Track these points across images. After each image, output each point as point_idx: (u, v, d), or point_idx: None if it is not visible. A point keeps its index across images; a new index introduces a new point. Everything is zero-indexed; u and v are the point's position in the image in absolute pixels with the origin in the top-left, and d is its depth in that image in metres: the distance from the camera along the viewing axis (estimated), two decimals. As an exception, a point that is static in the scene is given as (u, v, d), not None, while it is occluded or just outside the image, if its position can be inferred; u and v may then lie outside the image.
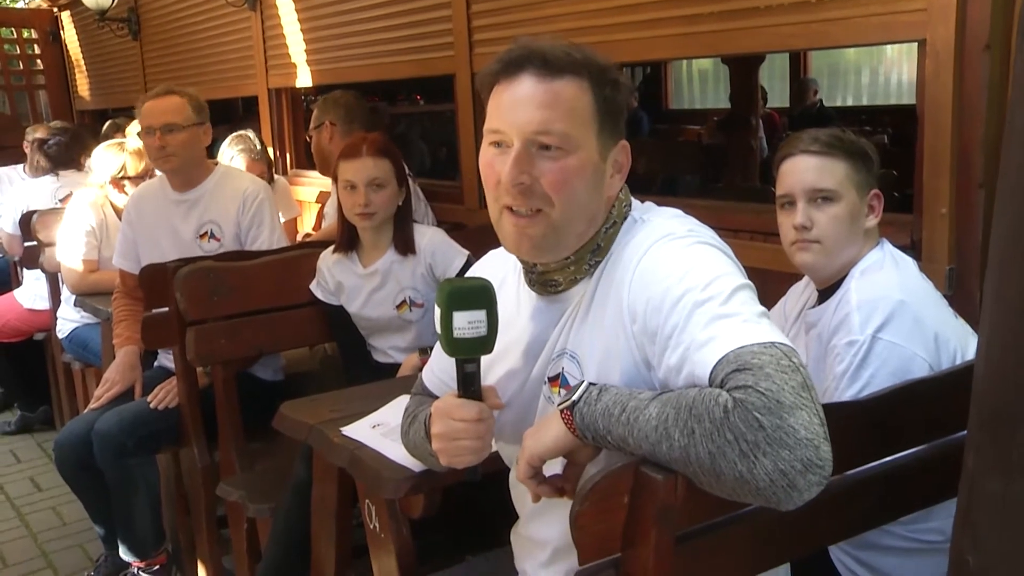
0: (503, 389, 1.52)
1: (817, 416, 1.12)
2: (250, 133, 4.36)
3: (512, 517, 1.71)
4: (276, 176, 4.54)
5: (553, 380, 1.49)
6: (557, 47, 1.41)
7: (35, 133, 5.04)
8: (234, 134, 4.23)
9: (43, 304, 4.67)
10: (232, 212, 3.20)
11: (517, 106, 1.39)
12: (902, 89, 8.23)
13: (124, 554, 3.12)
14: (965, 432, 1.12)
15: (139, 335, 2.99)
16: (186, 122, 3.15)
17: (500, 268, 1.63)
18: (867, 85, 8.77)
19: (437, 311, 1.39)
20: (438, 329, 1.40)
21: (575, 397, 1.31)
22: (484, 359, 1.42)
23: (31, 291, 4.79)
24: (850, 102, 8.67)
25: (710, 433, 1.12)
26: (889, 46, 7.46)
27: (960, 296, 2.11)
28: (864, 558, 1.85)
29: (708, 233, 1.43)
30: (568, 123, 1.39)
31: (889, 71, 8.53)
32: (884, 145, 5.59)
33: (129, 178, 3.80)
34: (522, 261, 1.51)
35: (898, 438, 1.47)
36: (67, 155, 4.80)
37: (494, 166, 1.42)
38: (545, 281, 1.49)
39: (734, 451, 1.10)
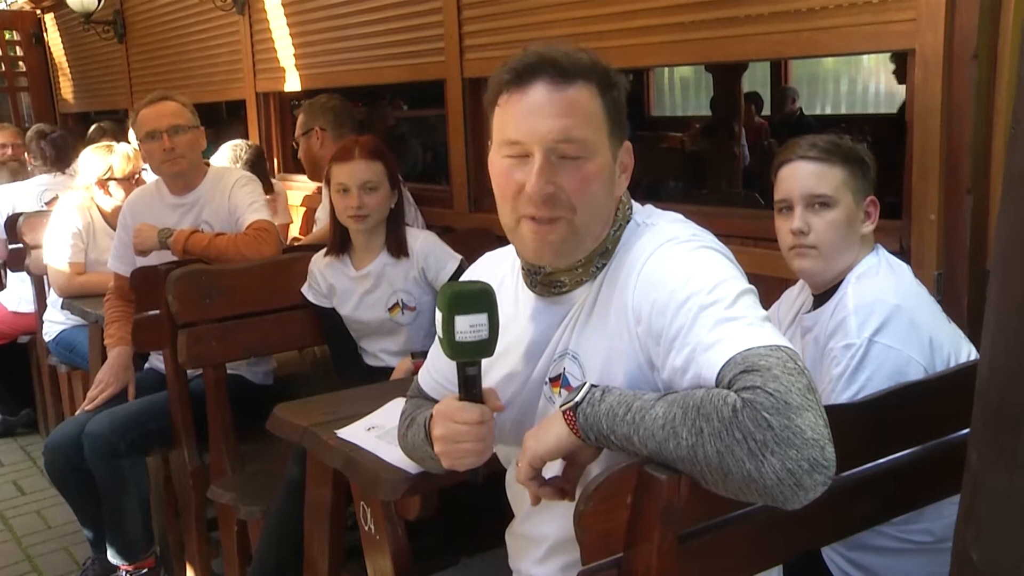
0: (503, 390, 1.53)
1: (822, 418, 1.14)
2: (244, 143, 4.36)
3: (506, 518, 1.72)
4: (273, 180, 4.56)
5: (554, 381, 1.51)
6: (568, 53, 1.42)
7: None
8: (232, 143, 4.21)
9: (27, 307, 4.65)
10: (223, 209, 3.21)
11: (534, 115, 1.39)
12: (880, 98, 8.31)
13: (112, 557, 3.11)
14: (960, 433, 1.15)
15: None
16: (189, 123, 3.16)
17: (498, 270, 1.64)
18: (846, 94, 8.84)
19: (439, 315, 1.40)
20: (439, 333, 1.40)
21: (578, 398, 1.33)
22: (484, 361, 1.43)
23: (15, 294, 4.77)
24: (829, 111, 8.74)
25: (719, 432, 1.14)
26: (867, 56, 7.54)
27: (948, 300, 2.14)
28: (855, 558, 1.88)
29: (710, 237, 1.45)
30: (586, 129, 1.40)
31: (867, 80, 8.61)
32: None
33: (116, 180, 3.80)
34: (532, 265, 1.51)
35: (894, 439, 1.50)
36: (70, 154, 4.78)
37: (513, 176, 1.42)
38: (550, 282, 1.50)
39: (743, 450, 1.12)
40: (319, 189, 4.56)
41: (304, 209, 4.68)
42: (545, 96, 1.39)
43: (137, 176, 3.82)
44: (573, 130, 1.39)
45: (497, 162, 1.46)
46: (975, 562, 1.02)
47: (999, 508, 0.99)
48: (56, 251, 3.83)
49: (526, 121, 1.40)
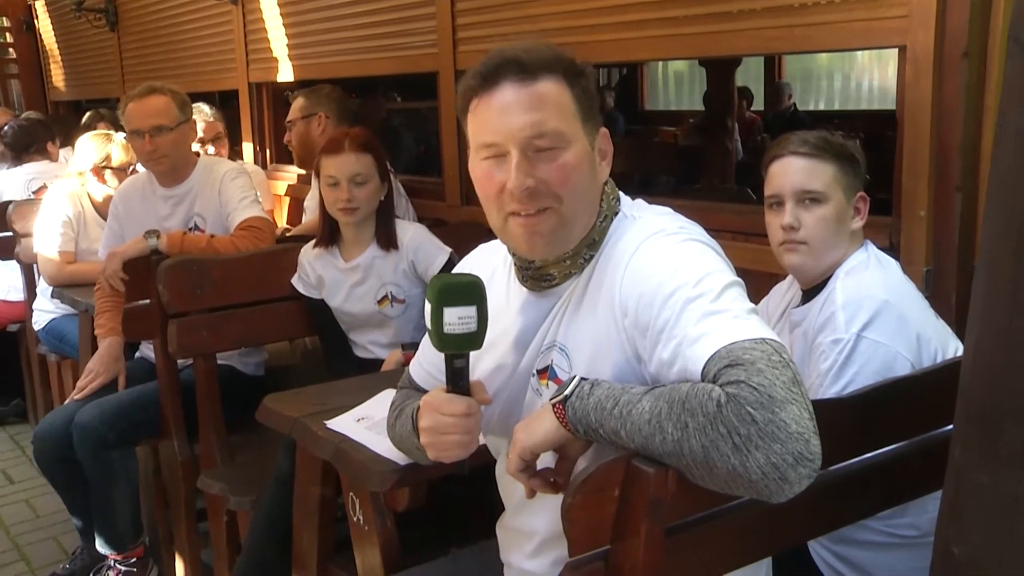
0: (491, 382, 1.53)
1: (807, 411, 1.15)
2: (203, 105, 4.35)
3: (495, 510, 1.73)
4: (247, 163, 4.56)
5: (542, 372, 1.52)
6: (529, 49, 1.43)
7: None
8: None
9: (16, 295, 4.63)
10: (214, 202, 3.20)
11: (506, 114, 1.41)
12: (873, 95, 8.33)
13: (101, 547, 3.10)
14: (947, 428, 1.15)
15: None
16: (173, 122, 3.14)
17: (490, 262, 1.65)
18: (839, 90, 8.85)
19: (428, 306, 1.40)
20: (428, 324, 1.40)
21: (567, 391, 1.33)
22: (473, 353, 1.43)
23: (4, 282, 4.74)
24: (822, 106, 8.75)
25: (703, 427, 1.15)
26: (861, 52, 7.55)
27: (936, 297, 2.15)
28: (842, 552, 1.89)
29: (698, 230, 1.46)
30: (558, 120, 1.41)
31: (861, 77, 8.62)
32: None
33: (112, 168, 3.79)
34: (523, 260, 1.52)
35: (881, 434, 1.51)
36: (25, 140, 4.75)
37: (493, 177, 1.44)
38: (541, 276, 1.50)
39: (727, 444, 1.13)
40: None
41: (289, 199, 4.70)
42: (513, 94, 1.41)
43: (132, 167, 3.81)
44: (545, 123, 1.40)
45: (477, 166, 1.47)
46: (957, 557, 1.02)
47: (982, 504, 0.99)
48: (46, 239, 3.81)
49: (498, 121, 1.42)
